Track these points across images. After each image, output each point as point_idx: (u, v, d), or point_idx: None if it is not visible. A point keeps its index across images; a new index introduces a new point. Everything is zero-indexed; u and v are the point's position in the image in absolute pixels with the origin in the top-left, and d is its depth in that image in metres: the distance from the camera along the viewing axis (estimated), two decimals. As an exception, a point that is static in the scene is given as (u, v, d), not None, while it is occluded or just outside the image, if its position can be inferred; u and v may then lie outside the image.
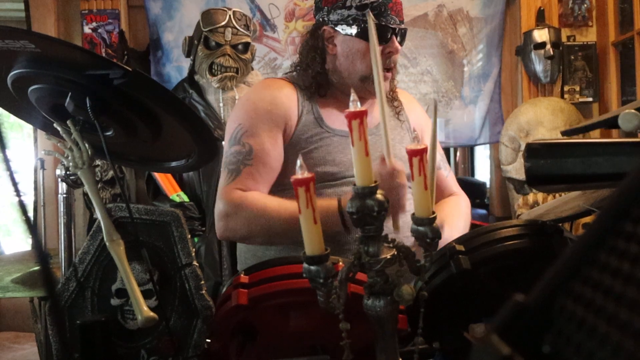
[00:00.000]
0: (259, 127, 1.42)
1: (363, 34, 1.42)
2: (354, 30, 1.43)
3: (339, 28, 1.45)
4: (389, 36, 1.43)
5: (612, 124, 0.98)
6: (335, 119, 1.47)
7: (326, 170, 1.41)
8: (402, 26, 1.45)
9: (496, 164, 3.34)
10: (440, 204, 1.56)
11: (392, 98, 1.59)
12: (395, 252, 0.78)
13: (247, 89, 2.48)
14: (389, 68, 1.47)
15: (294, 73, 1.55)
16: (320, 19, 1.49)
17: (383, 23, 1.41)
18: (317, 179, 1.40)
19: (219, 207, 1.39)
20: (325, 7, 1.46)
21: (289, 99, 1.46)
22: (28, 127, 3.87)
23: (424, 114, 1.70)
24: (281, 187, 1.43)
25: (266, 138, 1.41)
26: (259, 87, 1.58)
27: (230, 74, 2.42)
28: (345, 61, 1.46)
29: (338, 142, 1.44)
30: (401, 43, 1.46)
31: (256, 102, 1.46)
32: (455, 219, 1.49)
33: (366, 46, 1.42)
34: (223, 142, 2.36)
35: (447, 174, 1.64)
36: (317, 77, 1.48)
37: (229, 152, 1.44)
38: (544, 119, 2.99)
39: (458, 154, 5.35)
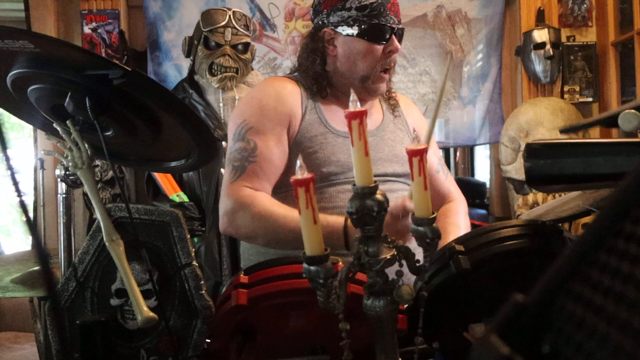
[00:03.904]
0: (264, 124, 1.42)
1: (363, 34, 1.44)
2: (354, 30, 1.44)
3: (339, 29, 1.46)
4: (388, 36, 1.44)
5: (611, 122, 0.98)
6: (337, 120, 1.48)
7: (330, 170, 1.42)
8: (400, 26, 1.47)
9: (496, 164, 3.34)
10: (440, 214, 1.57)
11: (388, 97, 1.61)
12: (395, 252, 0.78)
13: (247, 89, 2.48)
14: (387, 68, 1.48)
15: (295, 74, 1.56)
16: (320, 22, 1.50)
17: (382, 23, 1.43)
18: (322, 178, 1.41)
19: (226, 203, 1.39)
20: (325, 10, 1.48)
21: (293, 96, 1.48)
22: (28, 127, 3.87)
23: (421, 117, 1.73)
24: (285, 188, 1.43)
25: (271, 136, 1.42)
26: (263, 85, 1.59)
27: (230, 74, 2.42)
28: (346, 62, 1.48)
29: (342, 143, 1.45)
30: (399, 43, 1.48)
31: (261, 99, 1.47)
32: (457, 229, 1.50)
33: (366, 46, 1.44)
34: (223, 143, 2.40)
35: (445, 178, 1.64)
36: (317, 79, 1.50)
37: (233, 147, 1.44)
38: (543, 119, 2.99)
39: (458, 154, 5.35)
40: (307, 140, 1.44)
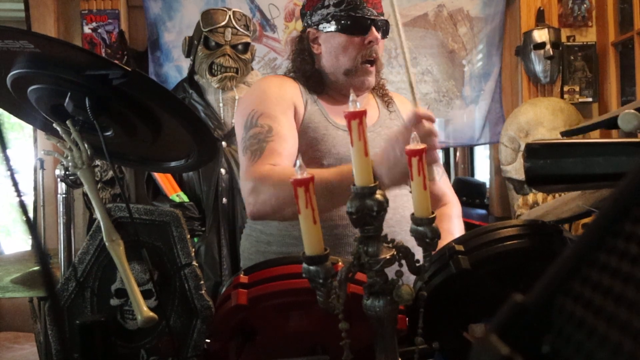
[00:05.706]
0: (273, 109, 1.43)
1: (342, 29, 1.47)
2: (333, 26, 1.48)
3: (320, 27, 1.51)
4: (366, 27, 1.46)
5: (611, 124, 0.98)
6: (336, 114, 1.50)
7: (331, 163, 1.43)
8: (381, 18, 1.49)
9: (496, 164, 3.34)
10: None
11: (382, 93, 1.62)
12: (395, 252, 0.78)
13: (246, 89, 2.48)
14: (371, 60, 1.49)
15: (291, 74, 1.59)
16: (305, 24, 1.56)
17: (359, 15, 1.46)
18: None
19: (247, 185, 1.35)
20: (308, 12, 1.53)
21: (293, 88, 1.51)
22: (28, 127, 3.87)
23: None
24: None
25: (282, 118, 1.42)
26: (263, 79, 1.64)
27: (230, 74, 2.42)
28: (329, 58, 1.51)
29: (342, 136, 1.46)
30: (384, 36, 1.51)
31: (265, 90, 1.49)
32: (451, 236, 1.49)
33: (346, 40, 1.47)
34: (223, 143, 2.40)
35: (439, 178, 1.65)
36: (310, 78, 1.53)
37: (246, 136, 1.41)
38: (543, 119, 2.99)
39: (458, 154, 5.34)
40: (311, 129, 1.46)
